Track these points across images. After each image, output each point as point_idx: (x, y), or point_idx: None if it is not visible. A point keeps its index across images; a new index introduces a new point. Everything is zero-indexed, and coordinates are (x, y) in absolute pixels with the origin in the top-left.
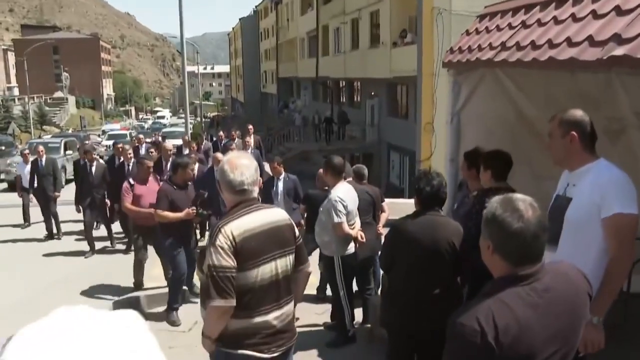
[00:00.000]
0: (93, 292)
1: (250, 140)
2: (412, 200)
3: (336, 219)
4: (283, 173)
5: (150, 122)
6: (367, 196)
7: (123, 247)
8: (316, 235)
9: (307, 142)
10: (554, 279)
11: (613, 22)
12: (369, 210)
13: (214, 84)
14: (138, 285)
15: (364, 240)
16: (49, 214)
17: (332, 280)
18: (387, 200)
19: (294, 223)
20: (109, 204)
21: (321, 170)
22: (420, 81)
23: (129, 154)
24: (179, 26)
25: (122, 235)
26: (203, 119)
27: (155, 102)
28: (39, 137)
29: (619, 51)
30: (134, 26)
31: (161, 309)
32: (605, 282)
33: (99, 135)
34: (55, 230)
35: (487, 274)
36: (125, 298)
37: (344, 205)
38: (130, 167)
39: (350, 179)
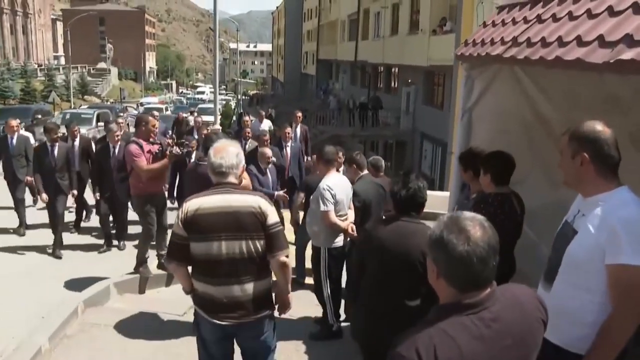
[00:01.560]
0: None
1: (290, 132)
2: (440, 193)
3: (322, 207)
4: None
5: (189, 95)
6: (382, 190)
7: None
8: (307, 224)
9: (340, 127)
10: (504, 307)
11: (628, 21)
12: (382, 205)
13: (256, 62)
14: (141, 263)
15: (355, 234)
16: (16, 201)
17: (316, 272)
18: None
19: (265, 211)
20: (91, 194)
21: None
22: (456, 71)
23: (117, 135)
24: (213, 4)
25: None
26: (243, 97)
27: (197, 77)
28: (72, 107)
29: (628, 54)
30: (180, 1)
31: (158, 290)
32: (601, 338)
33: (135, 108)
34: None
35: None
36: (126, 279)
37: (332, 194)
38: (116, 150)
39: (367, 171)
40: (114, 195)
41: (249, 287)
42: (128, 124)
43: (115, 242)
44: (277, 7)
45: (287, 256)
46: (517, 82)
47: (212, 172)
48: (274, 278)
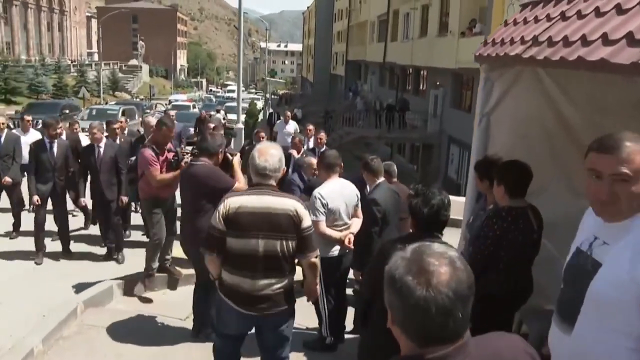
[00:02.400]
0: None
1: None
2: (462, 199)
3: (311, 217)
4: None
5: (219, 94)
6: (397, 197)
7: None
8: None
9: (366, 128)
10: None
11: None
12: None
13: (286, 61)
14: (148, 275)
15: (351, 245)
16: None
17: None
18: None
19: (301, 215)
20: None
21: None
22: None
23: (98, 134)
24: (238, 4)
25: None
26: (272, 96)
27: (227, 76)
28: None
29: None
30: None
31: (164, 292)
32: None
33: (164, 105)
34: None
35: (498, 301)
36: (131, 280)
37: (322, 203)
38: (101, 150)
39: (383, 178)
40: (104, 199)
41: (278, 282)
42: (197, 118)
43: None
44: (308, 7)
45: (316, 257)
46: (539, 84)
47: (255, 173)
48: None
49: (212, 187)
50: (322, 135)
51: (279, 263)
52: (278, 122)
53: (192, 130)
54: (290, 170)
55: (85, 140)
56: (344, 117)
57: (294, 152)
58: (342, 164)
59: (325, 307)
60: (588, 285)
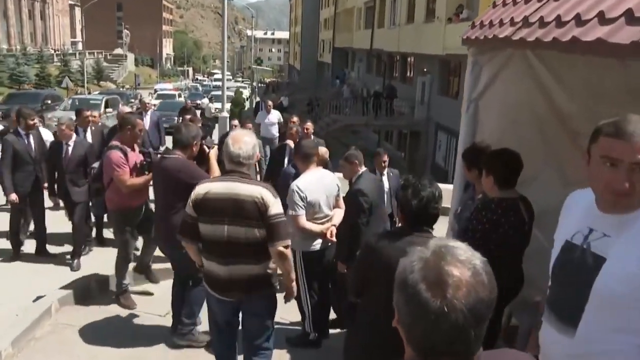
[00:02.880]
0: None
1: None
2: (450, 186)
3: (290, 211)
4: (387, 169)
5: (205, 82)
6: (381, 185)
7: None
8: None
9: (353, 116)
10: None
11: None
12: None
13: (273, 49)
14: (120, 292)
15: (333, 238)
16: None
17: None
18: None
19: (267, 202)
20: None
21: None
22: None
23: (67, 130)
24: None
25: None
26: (259, 84)
27: (214, 64)
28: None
29: None
30: None
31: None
32: None
33: (150, 94)
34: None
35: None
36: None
37: (301, 197)
38: (69, 149)
39: (364, 167)
40: (69, 200)
41: (248, 268)
42: (182, 107)
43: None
44: None
45: (286, 247)
46: (530, 68)
47: (228, 161)
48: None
49: (185, 183)
50: (309, 125)
51: (245, 249)
52: (260, 112)
53: (176, 119)
54: (286, 161)
55: (46, 135)
56: (330, 104)
57: (290, 143)
58: (319, 153)
59: (308, 302)
60: (589, 281)
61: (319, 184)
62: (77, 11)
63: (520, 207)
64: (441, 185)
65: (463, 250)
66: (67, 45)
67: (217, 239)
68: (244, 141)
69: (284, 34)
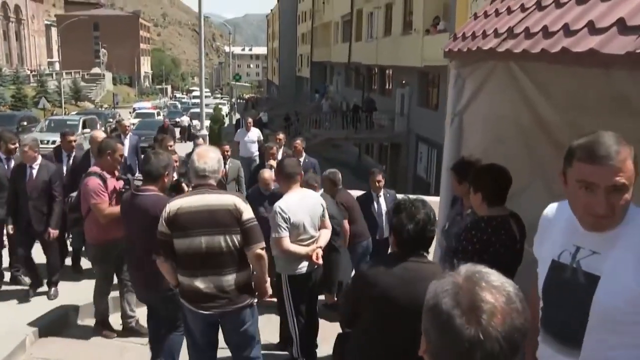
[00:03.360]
0: None
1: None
2: (436, 198)
3: (273, 234)
4: (382, 189)
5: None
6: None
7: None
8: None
9: (333, 130)
10: None
11: None
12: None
13: (252, 65)
14: (103, 324)
15: (320, 261)
16: None
17: (280, 300)
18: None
19: (239, 208)
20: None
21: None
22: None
23: (30, 152)
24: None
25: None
26: (238, 100)
27: (193, 82)
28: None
29: None
30: (176, 5)
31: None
32: None
33: (130, 113)
34: None
35: None
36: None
37: (284, 218)
38: (33, 172)
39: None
40: (32, 230)
41: (229, 278)
42: (160, 127)
43: (44, 288)
44: (271, 10)
45: (262, 248)
46: (514, 81)
47: (195, 176)
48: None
49: None
50: (299, 142)
51: (224, 258)
52: (239, 130)
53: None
54: None
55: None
56: (310, 119)
57: (271, 163)
58: (302, 173)
59: (296, 327)
60: (586, 301)
61: (302, 205)
62: (54, 31)
63: (512, 224)
64: (428, 198)
65: (496, 276)
66: (44, 65)
67: (194, 251)
68: (208, 156)
69: (262, 50)
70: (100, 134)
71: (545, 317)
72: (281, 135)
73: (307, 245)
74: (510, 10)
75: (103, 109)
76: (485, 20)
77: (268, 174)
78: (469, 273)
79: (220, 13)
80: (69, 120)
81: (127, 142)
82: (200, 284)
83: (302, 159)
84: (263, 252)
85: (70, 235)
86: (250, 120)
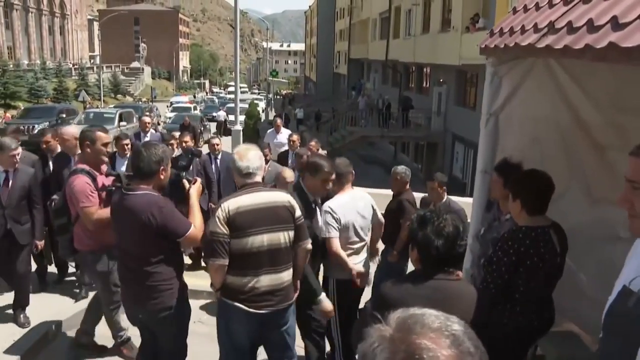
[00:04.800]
0: None
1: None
2: (471, 200)
3: (324, 234)
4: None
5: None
6: None
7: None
8: None
9: (369, 127)
10: None
11: None
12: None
13: (289, 61)
14: (122, 342)
15: (358, 285)
16: None
17: None
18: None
19: (294, 205)
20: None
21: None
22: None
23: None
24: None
25: None
26: (275, 96)
27: (230, 77)
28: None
29: None
30: (215, 1)
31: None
32: None
33: (167, 107)
34: None
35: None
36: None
37: (335, 218)
38: (9, 176)
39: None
40: (11, 242)
41: (285, 274)
42: (158, 123)
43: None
44: (309, 6)
45: (310, 243)
46: (553, 79)
47: (239, 175)
48: None
49: (157, 228)
50: (313, 143)
51: (284, 255)
52: (268, 132)
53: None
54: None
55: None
56: (346, 116)
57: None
58: (353, 172)
59: (339, 333)
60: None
61: (353, 206)
62: (96, 25)
63: (552, 236)
64: (460, 199)
65: (435, 316)
66: (86, 59)
67: (256, 250)
68: (250, 154)
69: (299, 46)
70: (68, 131)
71: (600, 345)
72: (295, 137)
73: (357, 250)
74: (551, 3)
75: (141, 102)
76: (525, 14)
77: (289, 173)
78: (400, 320)
79: (259, 9)
80: (105, 113)
81: (146, 140)
82: (258, 282)
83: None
84: (310, 247)
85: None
86: (279, 120)
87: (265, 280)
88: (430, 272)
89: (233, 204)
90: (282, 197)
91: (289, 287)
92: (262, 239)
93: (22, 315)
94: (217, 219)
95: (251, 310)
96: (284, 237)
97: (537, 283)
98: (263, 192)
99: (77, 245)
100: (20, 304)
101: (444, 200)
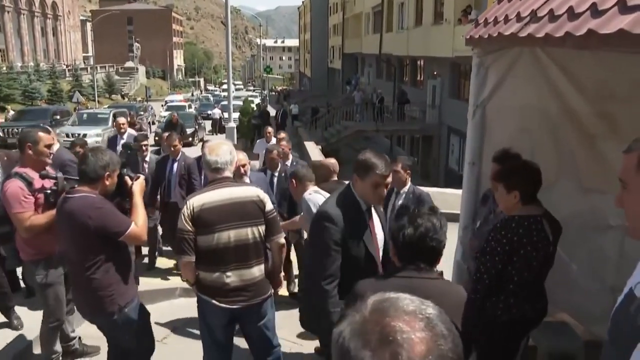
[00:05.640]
0: None
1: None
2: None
3: None
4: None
5: (216, 92)
6: None
7: None
8: None
9: (364, 122)
10: None
11: None
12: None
13: (284, 57)
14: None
15: None
16: None
17: None
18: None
19: (263, 199)
20: None
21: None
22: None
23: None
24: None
25: None
26: (270, 92)
27: (225, 74)
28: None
29: None
30: None
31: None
32: None
33: (162, 105)
34: None
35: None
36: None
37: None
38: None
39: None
40: None
41: (255, 270)
42: (151, 123)
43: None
44: (303, 2)
45: (283, 237)
46: (540, 69)
47: (208, 169)
48: None
49: (95, 230)
50: (284, 144)
51: (251, 251)
52: (258, 141)
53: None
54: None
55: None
56: (341, 110)
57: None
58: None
59: None
60: (633, 344)
61: None
62: (89, 26)
63: (545, 224)
64: (456, 191)
65: (409, 299)
66: (79, 60)
67: (222, 246)
68: (220, 149)
69: (294, 42)
70: (122, 121)
71: (603, 352)
72: (282, 135)
73: None
74: None
75: (136, 102)
76: (509, 4)
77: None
78: (375, 304)
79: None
80: (99, 114)
81: (123, 142)
82: (227, 278)
83: (288, 163)
84: (284, 242)
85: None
86: (270, 130)
87: (235, 276)
88: (402, 266)
89: (197, 200)
90: (251, 191)
91: (261, 282)
92: (228, 235)
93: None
94: (182, 216)
95: (223, 305)
96: (252, 232)
97: (531, 272)
98: (231, 187)
99: (21, 255)
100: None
101: (408, 186)
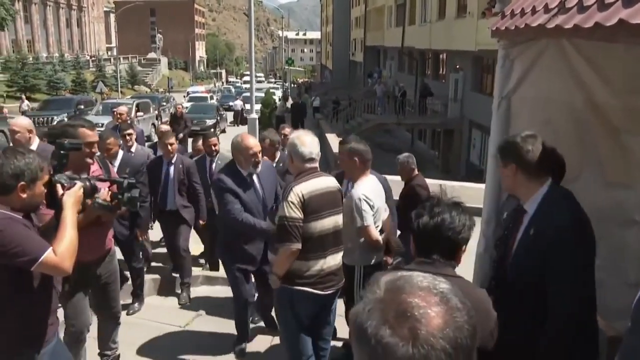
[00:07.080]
0: None
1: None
2: (484, 186)
3: (359, 222)
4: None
5: (237, 84)
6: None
7: None
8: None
9: (385, 115)
10: None
11: None
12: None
13: (305, 50)
14: None
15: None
16: None
17: (349, 293)
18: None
19: (340, 190)
20: None
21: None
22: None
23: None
24: None
25: None
26: (291, 85)
27: (247, 66)
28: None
29: None
30: None
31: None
32: None
33: (184, 97)
34: None
35: None
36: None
37: (370, 205)
38: None
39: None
40: None
41: (341, 255)
42: (172, 113)
43: None
44: None
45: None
46: (567, 61)
47: (303, 161)
48: None
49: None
50: (287, 130)
51: (341, 236)
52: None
53: (207, 122)
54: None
55: None
56: (362, 103)
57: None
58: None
59: None
60: None
61: (377, 190)
62: (112, 17)
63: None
64: (477, 185)
65: (422, 276)
66: (103, 51)
67: (326, 231)
68: (311, 141)
69: (315, 34)
70: (19, 122)
71: (624, 340)
72: (287, 130)
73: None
74: None
75: (158, 93)
76: None
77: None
78: (390, 282)
79: None
80: (122, 104)
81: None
82: (326, 263)
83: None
84: None
85: None
86: (287, 129)
87: (331, 261)
88: (418, 256)
89: (305, 188)
90: (334, 182)
91: (342, 268)
92: (329, 221)
93: None
94: (290, 204)
95: (318, 292)
96: (341, 219)
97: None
98: (322, 177)
99: None
100: None
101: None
